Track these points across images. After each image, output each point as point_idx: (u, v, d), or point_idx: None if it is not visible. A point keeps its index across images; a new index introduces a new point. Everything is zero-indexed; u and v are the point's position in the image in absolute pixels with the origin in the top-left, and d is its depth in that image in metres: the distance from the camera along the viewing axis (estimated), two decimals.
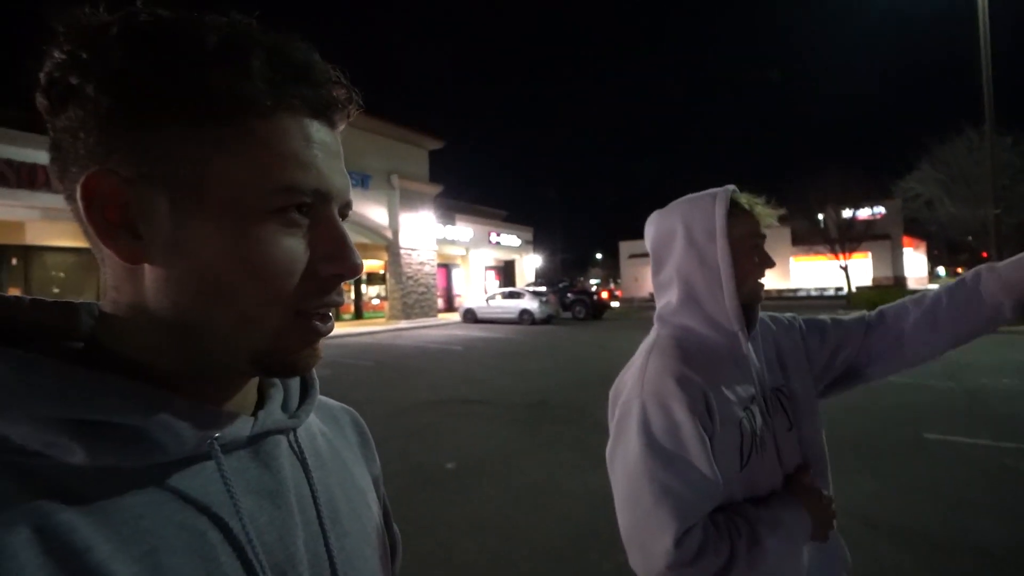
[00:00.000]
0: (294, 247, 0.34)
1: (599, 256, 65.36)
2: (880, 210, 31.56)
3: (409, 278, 18.71)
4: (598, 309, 19.62)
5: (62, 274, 12.81)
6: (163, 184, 0.32)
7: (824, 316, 1.07)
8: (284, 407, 0.41)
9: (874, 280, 33.60)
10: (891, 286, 30.38)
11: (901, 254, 35.27)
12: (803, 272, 37.77)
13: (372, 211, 17.63)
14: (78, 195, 0.31)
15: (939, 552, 2.54)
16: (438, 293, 20.57)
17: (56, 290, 12.58)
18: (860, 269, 33.74)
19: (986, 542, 2.60)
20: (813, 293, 34.40)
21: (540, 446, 4.38)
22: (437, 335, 14.19)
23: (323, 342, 0.37)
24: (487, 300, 18.61)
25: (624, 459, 0.84)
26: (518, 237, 25.69)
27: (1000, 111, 13.50)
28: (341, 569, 0.38)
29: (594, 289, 21.50)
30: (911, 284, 33.85)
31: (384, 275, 19.88)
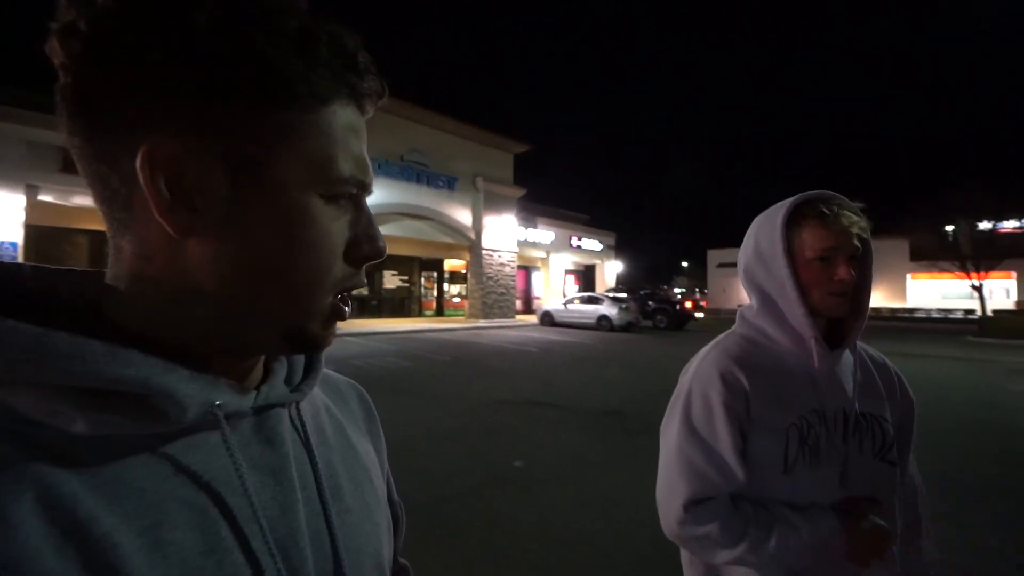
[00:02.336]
0: (340, 231, 0.35)
1: (685, 264, 62.66)
2: None
3: (490, 279, 19.06)
4: (681, 319, 18.81)
5: None
6: (224, 159, 0.31)
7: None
8: (288, 381, 0.41)
9: (1019, 304, 28.87)
10: None
11: None
12: (923, 291, 33.42)
13: (457, 212, 18.20)
14: (138, 161, 0.30)
15: None
16: (517, 295, 20.79)
17: None
18: (999, 291, 29.23)
19: None
20: (935, 315, 30.20)
21: (612, 456, 4.24)
22: (514, 336, 14.33)
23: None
24: (565, 304, 18.48)
25: (667, 432, 0.96)
26: (600, 242, 25.31)
27: None
28: (343, 544, 0.38)
29: (678, 298, 20.57)
30: None
31: (466, 274, 20.46)
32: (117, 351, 0.29)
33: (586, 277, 26.51)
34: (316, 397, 0.46)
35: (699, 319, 20.31)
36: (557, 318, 18.19)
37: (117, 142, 0.30)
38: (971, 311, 26.48)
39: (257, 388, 0.37)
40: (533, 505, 3.20)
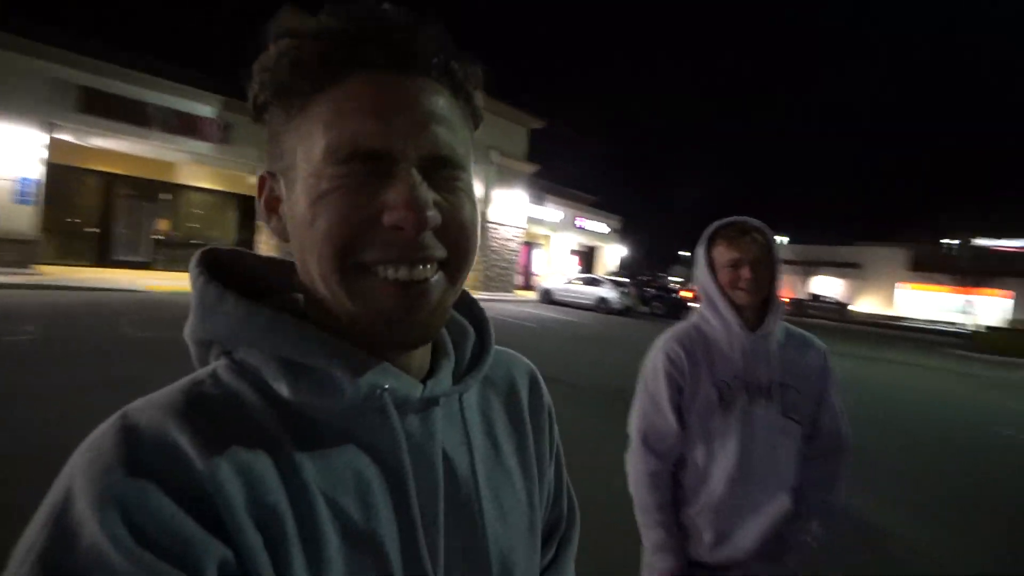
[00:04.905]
0: (351, 202, 0.34)
1: (683, 254, 62.78)
2: None
3: (493, 252, 19.21)
4: (677, 307, 19.14)
5: (200, 211, 14.67)
6: (282, 173, 0.38)
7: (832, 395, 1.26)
8: (455, 372, 0.44)
9: (1012, 322, 29.26)
10: None
11: None
12: (914, 301, 33.80)
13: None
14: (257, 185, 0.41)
15: None
16: (518, 271, 20.97)
17: (196, 225, 14.47)
18: (991, 309, 29.64)
19: None
20: (923, 326, 30.66)
21: (615, 430, 4.55)
22: (513, 310, 14.59)
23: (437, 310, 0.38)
24: (565, 283, 18.72)
25: (636, 390, 1.31)
26: (606, 224, 25.38)
27: None
28: (486, 532, 0.41)
29: (675, 286, 20.85)
30: None
31: None
32: (306, 332, 0.36)
33: (588, 259, 26.68)
34: (476, 394, 0.47)
35: (694, 308, 20.58)
36: (556, 296, 18.47)
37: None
38: (963, 325, 26.88)
39: (424, 381, 0.40)
40: None
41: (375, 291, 0.35)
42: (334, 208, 0.34)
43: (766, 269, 1.18)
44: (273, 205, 0.40)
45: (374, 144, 0.34)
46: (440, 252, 0.36)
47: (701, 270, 1.26)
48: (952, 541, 3.06)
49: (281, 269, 0.44)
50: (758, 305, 1.21)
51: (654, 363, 1.27)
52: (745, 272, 1.18)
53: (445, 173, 0.37)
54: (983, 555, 2.94)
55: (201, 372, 0.37)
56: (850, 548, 2.78)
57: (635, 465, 1.26)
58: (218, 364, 0.37)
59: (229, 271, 0.41)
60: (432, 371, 0.42)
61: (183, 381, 0.36)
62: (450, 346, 0.45)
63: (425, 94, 0.36)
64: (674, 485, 1.24)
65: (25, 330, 5.63)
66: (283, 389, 0.36)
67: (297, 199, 0.36)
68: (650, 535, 1.22)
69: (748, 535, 1.16)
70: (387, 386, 0.36)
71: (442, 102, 0.37)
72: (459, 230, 0.37)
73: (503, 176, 18.90)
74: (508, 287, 20.11)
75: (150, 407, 0.32)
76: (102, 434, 0.31)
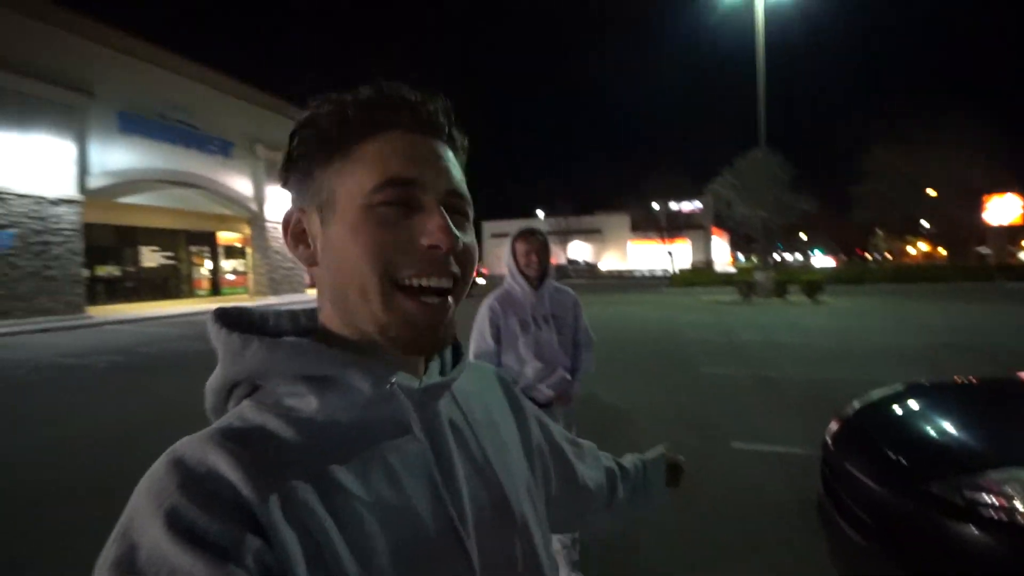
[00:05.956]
0: (388, 229, 0.42)
1: None
2: (698, 205, 38.26)
3: (276, 252, 18.08)
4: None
5: None
6: (316, 207, 0.45)
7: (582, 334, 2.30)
8: (441, 372, 0.52)
9: (693, 264, 40.63)
10: (703, 268, 37.27)
11: (710, 242, 43.05)
12: (639, 255, 44.01)
13: (234, 181, 16.67)
14: (283, 220, 0.48)
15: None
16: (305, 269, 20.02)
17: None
18: (682, 254, 40.56)
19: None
20: (646, 274, 40.50)
21: None
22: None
23: (455, 322, 0.46)
24: None
25: (473, 327, 2.19)
26: None
27: (772, 137, 17.96)
28: (509, 497, 0.49)
29: None
30: (718, 267, 41.44)
31: (243, 248, 18.83)
32: (319, 348, 0.43)
33: None
34: (464, 384, 0.54)
35: (480, 285, 23.06)
36: None
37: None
38: (667, 270, 36.53)
39: (420, 378, 0.47)
40: None
41: (408, 303, 0.42)
42: (377, 231, 0.42)
43: (543, 255, 2.14)
44: (302, 236, 0.46)
45: (411, 174, 0.43)
46: (456, 271, 0.45)
47: (508, 256, 2.18)
48: (647, 388, 5.04)
49: (280, 317, 0.50)
50: (539, 275, 2.15)
51: (481, 312, 2.16)
52: (532, 258, 2.11)
53: (459, 206, 0.46)
54: (663, 393, 4.99)
55: (227, 416, 0.42)
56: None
57: None
58: (241, 406, 0.43)
59: (239, 323, 0.46)
60: (424, 371, 0.49)
61: (215, 424, 0.41)
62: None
63: (442, 149, 0.46)
64: None
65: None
66: (311, 404, 0.42)
67: (337, 227, 0.43)
68: None
69: (545, 392, 2.15)
70: (394, 379, 0.43)
71: (452, 156, 0.47)
72: (469, 255, 0.46)
73: (273, 171, 17.66)
74: (299, 287, 19.19)
75: (191, 442, 0.38)
76: (156, 468, 0.37)
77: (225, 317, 0.45)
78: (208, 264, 19.01)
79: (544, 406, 2.22)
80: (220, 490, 0.35)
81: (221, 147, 16.04)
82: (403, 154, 0.43)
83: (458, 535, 0.43)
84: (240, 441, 0.38)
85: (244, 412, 0.42)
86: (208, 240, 18.80)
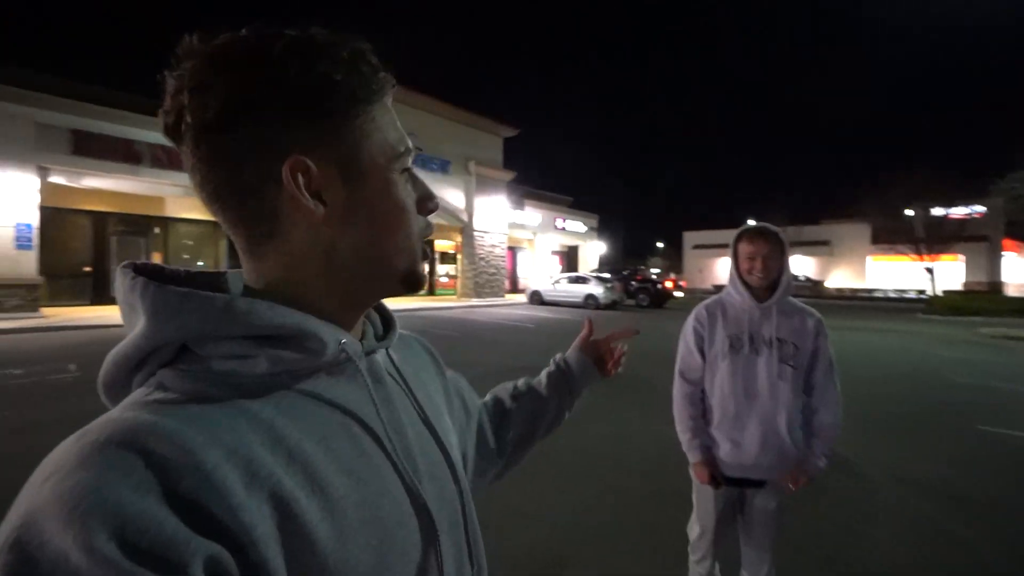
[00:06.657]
0: (411, 194, 0.47)
1: (660, 245, 64.16)
2: (979, 209, 29.07)
3: (481, 259, 19.72)
4: (661, 298, 19.97)
5: (190, 242, 14.86)
6: (335, 162, 0.42)
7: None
8: (376, 337, 0.52)
9: (966, 285, 31.10)
10: (985, 292, 28.10)
11: (999, 258, 32.38)
12: (882, 272, 35.57)
13: (450, 195, 18.71)
14: (285, 175, 0.40)
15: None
16: (506, 275, 21.49)
17: (185, 256, 14.65)
18: (950, 273, 31.39)
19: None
20: (891, 295, 32.41)
21: (612, 407, 5.14)
22: (508, 313, 15.17)
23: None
24: (553, 284, 19.34)
25: (679, 342, 1.85)
26: (583, 223, 26.08)
27: None
28: (448, 450, 0.51)
29: (655, 278, 21.68)
30: (1010, 291, 30.88)
31: (455, 255, 21.07)
32: (276, 307, 0.40)
33: (570, 258, 27.38)
34: (397, 348, 0.57)
35: (678, 298, 21.52)
36: (546, 297, 19.09)
37: (259, 171, 0.40)
38: (923, 291, 28.50)
39: (361, 341, 0.48)
40: (548, 448, 4.09)
41: (420, 257, 0.48)
42: (405, 191, 0.46)
43: (774, 262, 1.65)
44: (317, 190, 0.42)
45: (410, 144, 0.47)
46: None
47: (731, 260, 1.76)
48: (900, 451, 3.77)
49: (201, 277, 0.45)
50: (767, 286, 1.67)
51: (687, 322, 1.81)
52: (757, 263, 1.65)
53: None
54: (926, 460, 3.67)
55: (144, 389, 0.38)
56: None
57: (675, 390, 1.81)
58: (160, 376, 0.38)
59: (160, 278, 0.41)
60: (361, 336, 0.50)
61: (127, 401, 0.37)
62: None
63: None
64: (704, 410, 1.78)
65: (68, 368, 6.07)
66: (259, 366, 0.39)
67: (366, 180, 0.43)
68: (684, 438, 1.77)
69: (752, 442, 1.64)
70: (344, 340, 0.43)
71: None
72: None
73: (482, 185, 19.46)
74: (499, 292, 20.61)
75: (106, 423, 0.33)
76: (61, 454, 0.31)
77: (143, 271, 0.41)
78: (424, 268, 21.58)
79: (755, 485, 1.70)
80: (161, 478, 0.30)
81: (441, 165, 18.20)
82: (398, 123, 0.47)
83: (415, 488, 0.44)
84: (185, 417, 0.34)
85: (169, 382, 0.38)
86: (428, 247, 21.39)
